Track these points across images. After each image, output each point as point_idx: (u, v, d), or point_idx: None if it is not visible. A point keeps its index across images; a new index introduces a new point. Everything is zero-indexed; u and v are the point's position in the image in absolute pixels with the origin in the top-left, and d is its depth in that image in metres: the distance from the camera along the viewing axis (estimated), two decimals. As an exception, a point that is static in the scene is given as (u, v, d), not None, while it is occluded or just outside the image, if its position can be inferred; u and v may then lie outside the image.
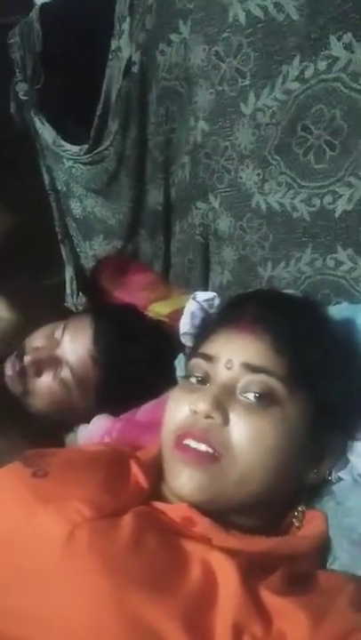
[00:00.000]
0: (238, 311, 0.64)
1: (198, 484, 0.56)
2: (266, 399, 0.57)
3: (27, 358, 0.89)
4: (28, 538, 0.53)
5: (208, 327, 0.70)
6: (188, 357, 0.72)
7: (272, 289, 0.83)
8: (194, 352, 0.68)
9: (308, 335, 0.62)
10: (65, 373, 0.87)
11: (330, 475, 0.63)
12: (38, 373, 0.88)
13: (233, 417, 0.57)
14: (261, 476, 0.56)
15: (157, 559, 0.51)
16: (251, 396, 0.57)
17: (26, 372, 0.88)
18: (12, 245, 1.03)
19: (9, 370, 0.89)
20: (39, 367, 0.88)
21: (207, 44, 0.85)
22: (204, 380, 0.62)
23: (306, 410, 0.59)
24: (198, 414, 0.57)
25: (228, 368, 0.60)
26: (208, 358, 0.62)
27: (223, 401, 0.57)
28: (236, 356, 0.60)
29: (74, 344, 0.88)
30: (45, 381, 0.88)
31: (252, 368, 0.58)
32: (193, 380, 0.63)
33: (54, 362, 0.88)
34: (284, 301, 0.70)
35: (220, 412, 0.56)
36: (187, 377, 0.64)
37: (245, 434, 0.56)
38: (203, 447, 0.56)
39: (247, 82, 0.80)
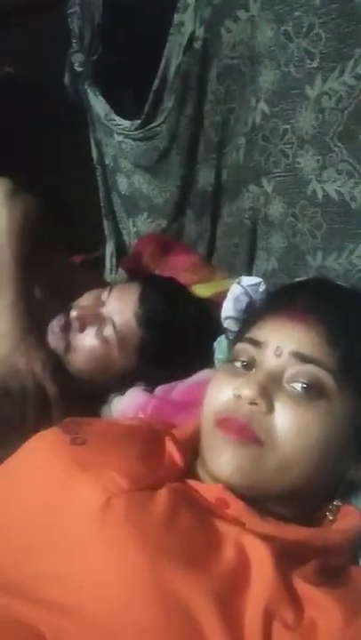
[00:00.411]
0: (291, 299, 0.63)
1: (238, 466, 0.55)
2: (313, 391, 0.56)
3: (72, 313, 0.89)
4: (65, 503, 0.53)
5: (257, 312, 0.69)
6: (234, 342, 0.71)
7: (327, 279, 0.81)
8: (240, 336, 0.66)
9: None
10: (108, 331, 0.87)
11: None
12: (82, 328, 0.89)
13: (278, 406, 0.55)
14: (301, 468, 0.55)
15: (192, 536, 0.51)
16: (298, 385, 0.56)
17: (70, 325, 0.89)
18: (41, 231, 1.03)
19: (55, 326, 0.89)
20: (83, 322, 0.88)
21: (276, 23, 0.82)
22: (249, 366, 0.60)
23: (353, 406, 0.57)
24: (242, 400, 0.56)
25: (278, 355, 0.58)
26: (256, 344, 0.60)
27: (269, 389, 0.56)
28: (287, 343, 0.58)
29: (119, 303, 0.89)
30: (88, 337, 0.88)
31: (302, 357, 0.57)
32: (238, 364, 0.61)
33: (99, 319, 0.88)
34: (338, 293, 0.68)
35: (265, 399, 0.55)
36: (231, 361, 0.63)
37: (290, 424, 0.55)
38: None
39: (315, 64, 0.78)
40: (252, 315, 0.70)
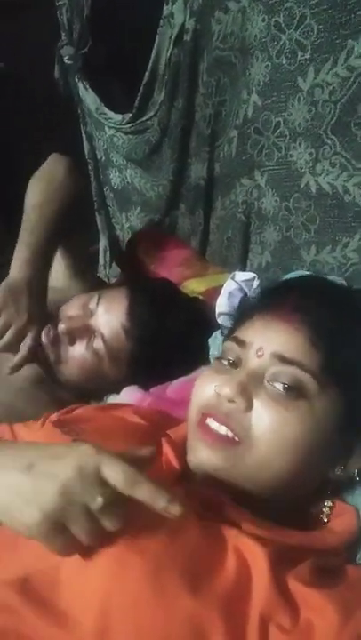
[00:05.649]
0: (279, 298, 0.62)
1: (214, 465, 0.56)
2: (294, 391, 0.56)
3: (61, 327, 0.89)
4: None
5: (246, 311, 0.69)
6: (224, 339, 0.71)
7: (318, 276, 0.80)
8: (230, 334, 0.67)
9: (349, 330, 0.59)
10: (98, 344, 0.87)
11: (359, 475, 0.60)
12: (71, 342, 0.89)
13: (257, 404, 0.56)
14: (279, 465, 0.55)
15: (195, 547, 0.50)
16: (279, 385, 0.56)
17: (59, 339, 0.89)
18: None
19: (44, 338, 0.89)
20: (72, 336, 0.88)
21: (267, 14, 0.81)
22: (235, 364, 0.61)
23: (336, 407, 0.57)
24: (222, 397, 0.57)
25: (259, 356, 0.58)
26: (241, 343, 0.61)
27: (249, 387, 0.57)
28: (269, 344, 0.58)
29: (108, 315, 0.88)
30: (78, 350, 0.88)
31: (282, 359, 0.57)
32: (225, 362, 0.62)
33: (88, 331, 0.88)
34: (327, 292, 0.67)
35: (244, 397, 0.56)
36: (220, 359, 0.64)
37: (266, 422, 0.55)
38: (223, 430, 0.56)
39: (307, 55, 0.77)
40: (243, 313, 0.70)
